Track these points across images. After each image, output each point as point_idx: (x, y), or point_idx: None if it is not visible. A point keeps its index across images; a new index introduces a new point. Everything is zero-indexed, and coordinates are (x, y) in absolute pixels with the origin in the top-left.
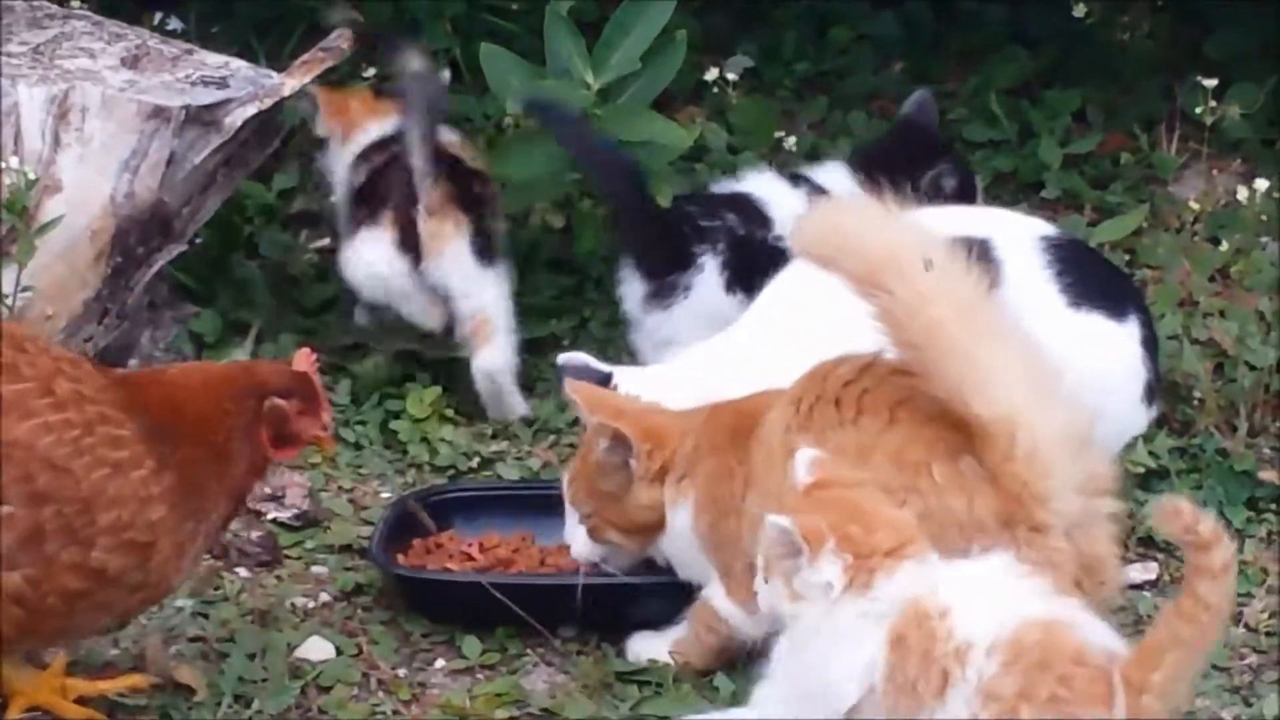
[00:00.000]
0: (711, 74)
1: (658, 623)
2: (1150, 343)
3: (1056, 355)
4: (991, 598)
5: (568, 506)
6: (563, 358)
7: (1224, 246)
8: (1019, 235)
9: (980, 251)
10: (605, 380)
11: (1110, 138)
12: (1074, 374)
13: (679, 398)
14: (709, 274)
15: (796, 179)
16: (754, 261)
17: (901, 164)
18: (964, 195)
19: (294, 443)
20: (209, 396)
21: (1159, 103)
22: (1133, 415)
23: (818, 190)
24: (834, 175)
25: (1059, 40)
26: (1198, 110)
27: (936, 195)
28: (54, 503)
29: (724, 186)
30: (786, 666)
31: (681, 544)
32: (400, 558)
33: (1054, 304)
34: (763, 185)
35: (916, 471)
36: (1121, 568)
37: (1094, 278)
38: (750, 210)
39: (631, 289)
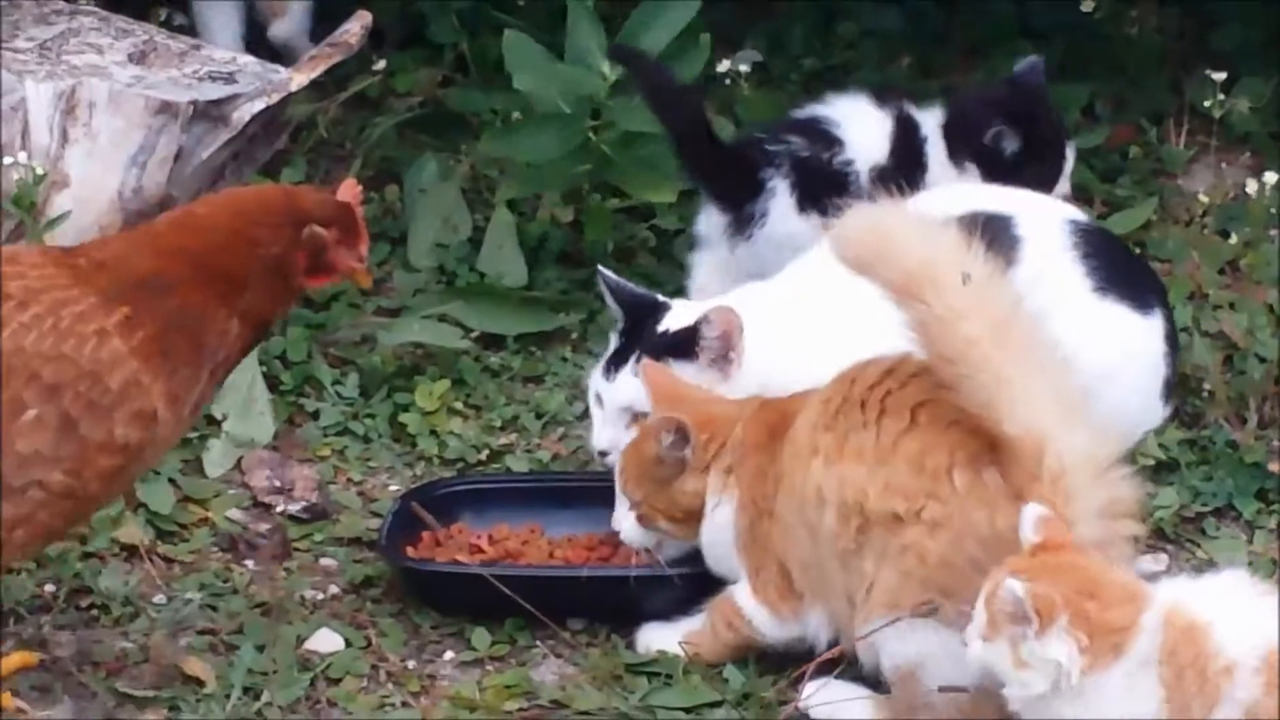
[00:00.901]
0: (724, 65)
1: (665, 615)
2: (1172, 340)
3: (1077, 341)
4: (1244, 615)
5: (618, 493)
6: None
7: (1233, 239)
8: (1045, 216)
9: (1000, 228)
10: (656, 306)
11: (1119, 131)
12: (1093, 363)
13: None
14: (780, 196)
15: (884, 101)
16: (823, 181)
17: (991, 119)
18: (1035, 160)
19: (329, 272)
20: (230, 227)
21: (1167, 96)
22: (1150, 411)
23: (906, 119)
24: (928, 116)
25: (1067, 34)
26: (1206, 104)
27: (996, 156)
28: (68, 387)
29: (802, 111)
30: None
31: (717, 536)
32: (410, 550)
33: (1078, 288)
34: (842, 108)
35: (936, 477)
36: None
37: (1121, 268)
38: (817, 133)
39: (712, 226)
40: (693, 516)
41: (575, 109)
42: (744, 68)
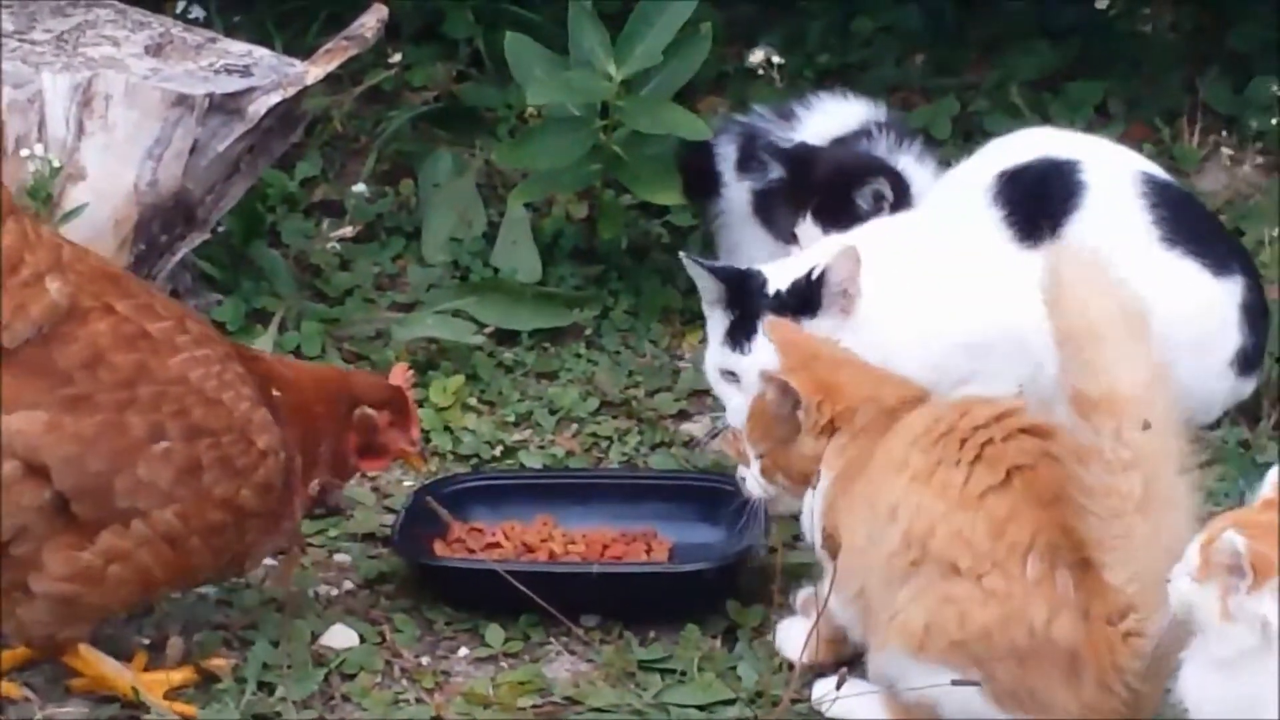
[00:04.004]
0: (755, 57)
1: (673, 613)
2: (1254, 310)
3: (1139, 293)
4: None
5: (745, 443)
6: None
7: (1246, 238)
8: (1115, 164)
9: (1065, 172)
10: (751, 275)
11: (1132, 129)
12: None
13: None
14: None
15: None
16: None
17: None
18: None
19: (382, 454)
20: (307, 390)
21: (1181, 95)
22: (1217, 379)
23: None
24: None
25: (1081, 32)
26: (1220, 102)
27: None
28: (210, 435)
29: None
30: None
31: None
32: (439, 544)
33: (1144, 237)
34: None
35: (1011, 551)
36: None
37: (1196, 226)
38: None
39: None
40: (808, 479)
41: (585, 111)
42: (766, 56)
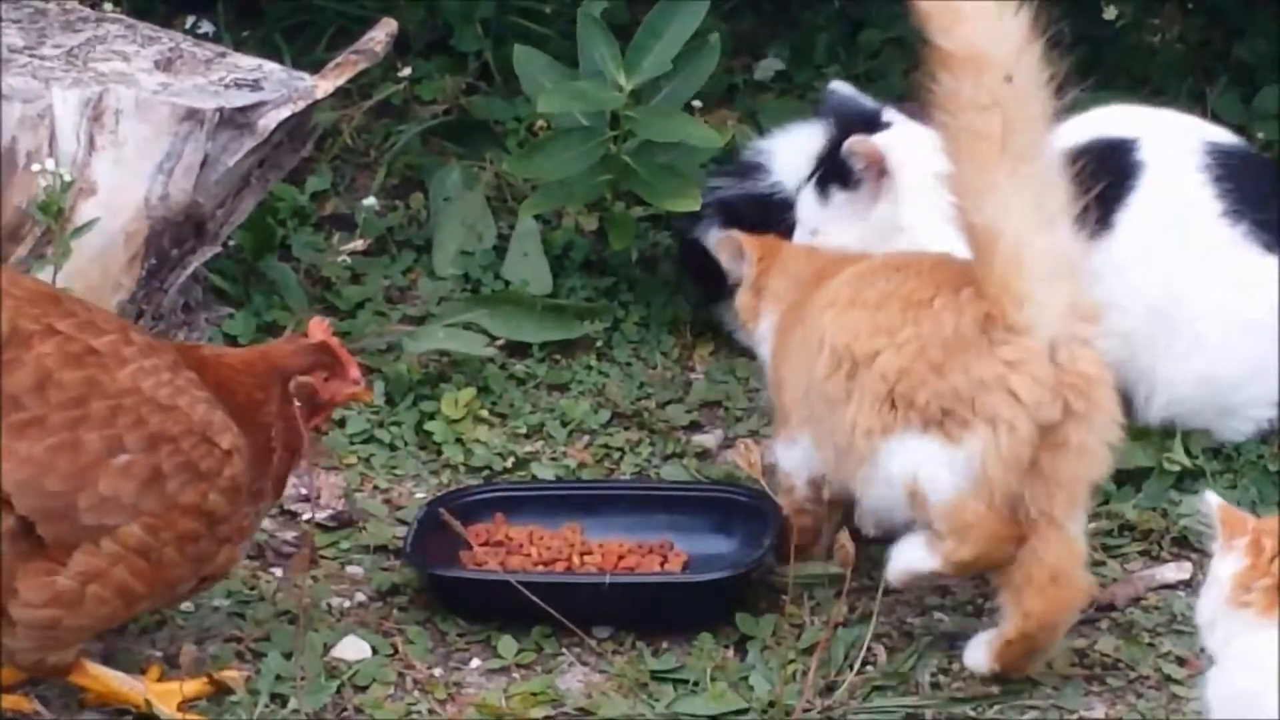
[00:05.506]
0: (763, 70)
1: (685, 623)
2: None
3: (1195, 270)
4: None
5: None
6: (832, 85)
7: None
8: (1175, 135)
9: (1121, 152)
10: (874, 117)
11: None
12: (1208, 295)
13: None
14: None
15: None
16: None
17: None
18: None
19: (327, 407)
20: (251, 380)
21: (1190, 105)
22: (1267, 367)
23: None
24: None
25: (1089, 43)
26: (1228, 113)
27: None
28: (169, 441)
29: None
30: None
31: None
32: (463, 554)
33: (1202, 209)
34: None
35: (920, 308)
36: (1114, 396)
37: (1268, 200)
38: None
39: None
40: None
41: (594, 122)
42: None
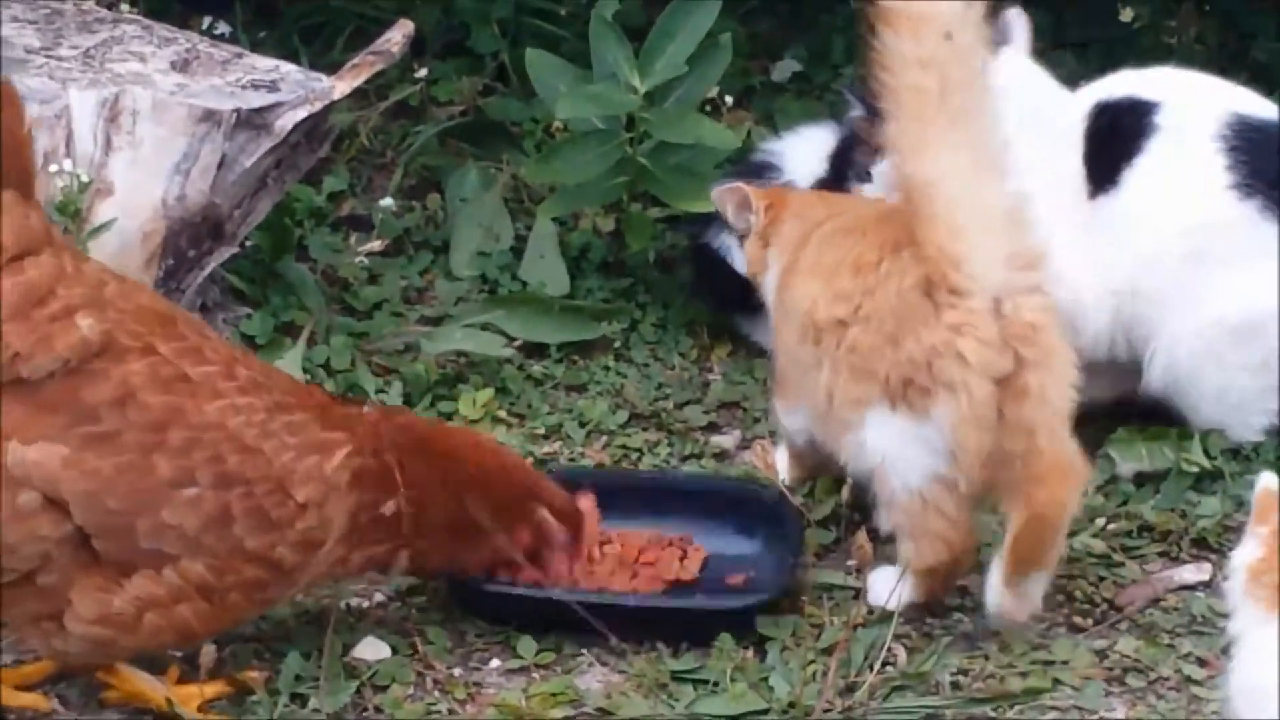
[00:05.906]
0: (781, 71)
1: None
2: None
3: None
4: None
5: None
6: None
7: None
8: (1199, 102)
9: (1140, 113)
10: None
11: None
12: (1215, 272)
13: None
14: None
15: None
16: None
17: None
18: None
19: (541, 565)
20: (501, 476)
21: None
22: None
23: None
24: None
25: (1106, 44)
26: None
27: None
28: (243, 484)
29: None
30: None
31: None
32: None
33: (1211, 181)
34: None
35: (870, 271)
36: (1060, 335)
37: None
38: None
39: None
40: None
41: (610, 125)
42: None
